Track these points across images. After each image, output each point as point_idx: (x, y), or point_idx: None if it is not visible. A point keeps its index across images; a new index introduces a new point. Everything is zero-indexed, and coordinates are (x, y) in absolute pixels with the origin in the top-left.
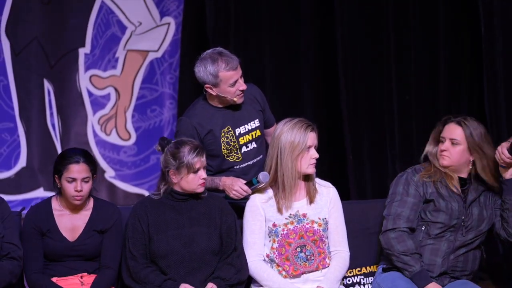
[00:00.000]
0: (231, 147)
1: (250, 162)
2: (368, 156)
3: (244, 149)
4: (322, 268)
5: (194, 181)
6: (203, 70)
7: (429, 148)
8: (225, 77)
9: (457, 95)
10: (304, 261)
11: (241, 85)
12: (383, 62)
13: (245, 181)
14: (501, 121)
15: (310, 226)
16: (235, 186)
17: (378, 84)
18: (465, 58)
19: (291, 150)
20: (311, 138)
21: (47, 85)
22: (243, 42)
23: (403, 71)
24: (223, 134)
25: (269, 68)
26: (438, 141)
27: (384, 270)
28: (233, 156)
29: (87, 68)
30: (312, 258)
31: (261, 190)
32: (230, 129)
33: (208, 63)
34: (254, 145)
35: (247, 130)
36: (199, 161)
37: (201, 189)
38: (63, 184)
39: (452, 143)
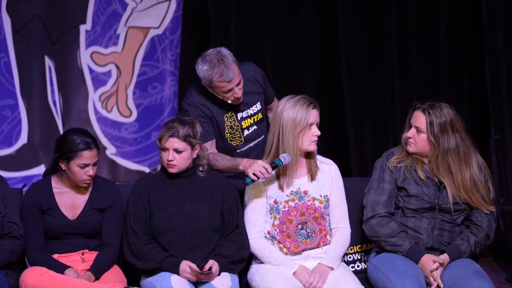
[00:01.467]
0: (234, 130)
1: (252, 144)
2: (370, 133)
3: (246, 132)
4: (323, 245)
5: (164, 157)
6: (201, 70)
7: (404, 132)
8: (218, 85)
9: (459, 73)
10: (305, 238)
11: (236, 93)
12: (384, 42)
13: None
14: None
15: (311, 203)
16: (258, 166)
17: (380, 62)
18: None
19: (293, 127)
20: (313, 115)
21: (48, 62)
22: (244, 19)
23: (404, 50)
24: (226, 119)
25: (271, 46)
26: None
27: (378, 253)
28: (236, 140)
29: (88, 45)
30: (313, 235)
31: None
32: (233, 113)
33: (205, 66)
34: (255, 127)
35: (249, 114)
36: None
37: (173, 170)
38: (72, 168)
39: (417, 131)
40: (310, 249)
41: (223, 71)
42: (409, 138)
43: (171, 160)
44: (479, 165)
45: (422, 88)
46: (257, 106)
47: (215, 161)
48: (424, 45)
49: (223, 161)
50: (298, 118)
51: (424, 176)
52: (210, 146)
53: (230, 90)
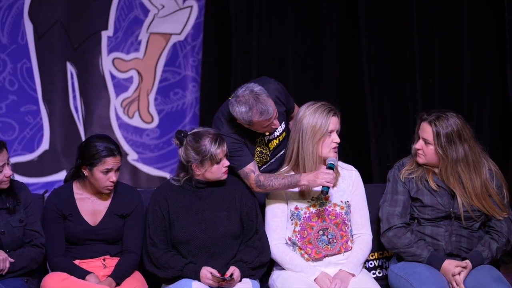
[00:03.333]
0: (263, 155)
1: (274, 159)
2: (391, 139)
3: (272, 152)
4: (345, 251)
5: (218, 170)
6: (238, 112)
7: (414, 143)
8: (258, 123)
9: (481, 77)
10: (327, 244)
11: (275, 125)
12: (406, 47)
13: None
14: None
15: (332, 209)
16: (324, 174)
17: (402, 68)
18: (489, 45)
19: (313, 134)
20: (333, 122)
21: (70, 68)
22: (265, 24)
23: (427, 55)
24: (257, 144)
25: (292, 50)
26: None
27: (399, 260)
28: (262, 162)
29: (110, 51)
30: (335, 241)
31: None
32: (262, 138)
33: (243, 108)
34: (280, 145)
35: (275, 136)
36: (221, 151)
37: (225, 177)
38: (95, 174)
39: (425, 142)
40: (332, 255)
41: (262, 109)
42: (418, 149)
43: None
44: (491, 171)
45: (444, 94)
46: (282, 126)
47: (269, 181)
48: (446, 51)
49: (278, 180)
50: (318, 125)
51: (436, 186)
52: (255, 167)
53: (270, 123)
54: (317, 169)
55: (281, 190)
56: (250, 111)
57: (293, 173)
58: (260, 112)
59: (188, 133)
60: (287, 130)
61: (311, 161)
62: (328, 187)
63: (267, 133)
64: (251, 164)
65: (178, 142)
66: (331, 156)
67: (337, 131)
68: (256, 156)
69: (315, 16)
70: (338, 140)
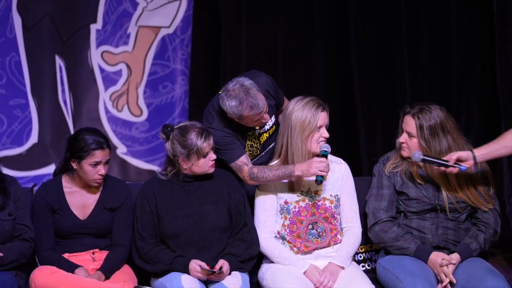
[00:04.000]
0: (254, 148)
1: (263, 153)
2: (380, 133)
3: (263, 146)
4: (334, 244)
5: (205, 164)
6: (229, 106)
7: (398, 137)
8: (249, 117)
9: (470, 70)
10: (316, 238)
11: (265, 119)
12: (395, 39)
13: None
14: None
15: (321, 203)
16: (317, 163)
17: (390, 61)
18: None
19: (301, 130)
20: (322, 118)
21: (58, 61)
22: (255, 17)
23: (416, 49)
24: (248, 138)
25: (282, 43)
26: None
27: (387, 253)
28: (252, 155)
29: (98, 44)
30: (324, 234)
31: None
32: (253, 131)
33: (233, 102)
34: (270, 139)
35: (265, 129)
36: (208, 144)
37: (212, 170)
38: (83, 167)
39: (409, 135)
40: (321, 248)
41: (252, 104)
42: (402, 143)
43: (213, 160)
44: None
45: (433, 89)
46: (272, 120)
47: (262, 173)
48: (435, 45)
49: (272, 171)
50: (307, 121)
51: (421, 179)
52: (247, 160)
53: (260, 117)
54: None
55: (275, 182)
56: (240, 106)
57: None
58: (250, 107)
59: (175, 127)
60: (277, 123)
61: (300, 157)
62: (322, 176)
63: (257, 127)
64: (243, 156)
65: (164, 136)
66: (319, 151)
67: (326, 126)
68: (246, 149)
69: (305, 9)
70: (327, 135)
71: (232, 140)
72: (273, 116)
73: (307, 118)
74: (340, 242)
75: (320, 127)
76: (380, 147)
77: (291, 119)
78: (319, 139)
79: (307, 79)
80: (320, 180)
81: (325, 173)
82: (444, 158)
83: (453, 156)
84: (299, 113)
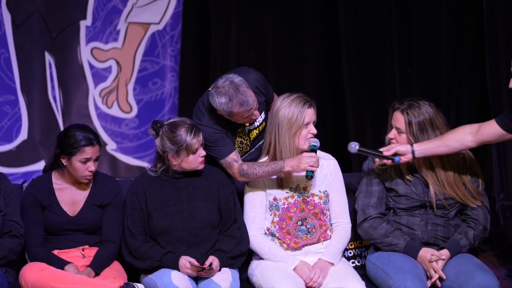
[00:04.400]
0: (244, 145)
1: (253, 149)
2: (370, 128)
3: (253, 142)
4: (324, 240)
5: (194, 161)
6: (218, 103)
7: (387, 133)
8: (239, 113)
9: (459, 67)
10: (306, 234)
11: (255, 115)
12: (385, 36)
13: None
14: (502, 92)
15: (310, 199)
16: (307, 158)
17: (380, 58)
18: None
19: (289, 127)
20: (309, 114)
21: (48, 57)
22: (245, 13)
23: (405, 46)
24: (238, 134)
25: (272, 39)
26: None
27: (376, 250)
28: (242, 151)
29: (88, 41)
30: (314, 230)
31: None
32: (243, 128)
33: (223, 99)
34: (260, 135)
35: (255, 126)
36: (197, 141)
37: (201, 167)
38: (73, 164)
39: (398, 131)
40: (310, 244)
41: (242, 100)
42: (391, 139)
43: (203, 157)
44: (465, 158)
45: (423, 86)
46: (262, 116)
47: (252, 169)
48: (425, 41)
49: (262, 167)
50: (294, 118)
51: (410, 176)
52: (237, 157)
53: (250, 114)
54: None
55: (265, 178)
56: (230, 102)
57: None
58: (240, 103)
59: (164, 123)
60: (267, 120)
61: (289, 154)
62: (313, 171)
63: (247, 124)
64: (233, 153)
65: (154, 132)
66: (307, 148)
67: (313, 122)
68: (236, 146)
69: (295, 5)
70: (314, 131)
71: (222, 137)
72: (263, 112)
73: (294, 115)
74: (329, 238)
75: (307, 123)
76: (370, 143)
77: (278, 116)
78: (307, 135)
79: (297, 76)
80: (310, 175)
81: (315, 168)
82: (381, 149)
83: (391, 149)
84: (286, 110)
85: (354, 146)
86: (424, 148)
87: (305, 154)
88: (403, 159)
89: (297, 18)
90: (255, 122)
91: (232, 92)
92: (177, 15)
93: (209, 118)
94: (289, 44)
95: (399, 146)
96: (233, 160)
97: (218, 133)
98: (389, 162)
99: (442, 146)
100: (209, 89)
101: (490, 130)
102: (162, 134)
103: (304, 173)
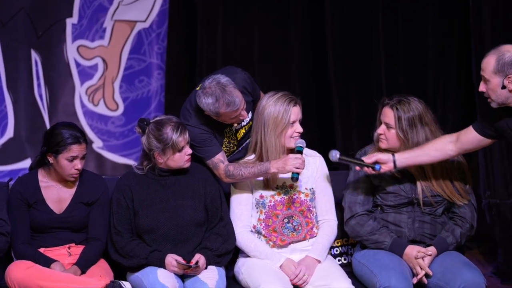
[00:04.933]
0: (231, 145)
1: (240, 148)
2: (356, 126)
3: (240, 141)
4: (310, 238)
5: (180, 159)
6: (205, 103)
7: (376, 129)
8: (226, 114)
9: (446, 66)
10: (292, 232)
11: (242, 116)
12: (371, 35)
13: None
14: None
15: (297, 197)
16: (292, 159)
17: (367, 56)
18: (454, 33)
19: (274, 126)
20: (295, 113)
21: (34, 55)
22: (231, 11)
23: (391, 42)
24: (225, 134)
25: (258, 40)
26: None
27: (362, 248)
28: (229, 151)
29: (74, 39)
30: (300, 228)
31: (249, 163)
32: (230, 128)
33: (209, 99)
34: (246, 134)
35: (242, 125)
36: (183, 139)
37: (187, 165)
38: (60, 162)
39: (387, 127)
40: (297, 242)
41: (229, 101)
42: (380, 134)
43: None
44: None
45: (409, 80)
46: (249, 116)
47: (238, 170)
48: (411, 38)
49: (248, 169)
50: (280, 117)
51: (398, 173)
52: (224, 157)
53: (237, 114)
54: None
55: (251, 179)
56: (217, 103)
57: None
58: (227, 104)
59: (151, 121)
60: (252, 119)
61: (275, 152)
62: (298, 173)
63: (235, 124)
64: (220, 154)
65: (140, 130)
66: (293, 145)
67: (299, 121)
68: (224, 146)
69: (281, 3)
70: (300, 129)
71: (209, 138)
72: (250, 112)
73: (280, 113)
74: (316, 235)
75: (293, 122)
76: (356, 141)
77: (263, 115)
78: (293, 134)
79: (283, 74)
80: (295, 177)
81: (300, 170)
82: (363, 158)
83: (372, 157)
84: (271, 108)
85: (334, 155)
86: (406, 157)
87: (291, 155)
88: (384, 168)
89: (284, 16)
90: (242, 122)
91: (218, 93)
92: (164, 13)
93: (196, 119)
94: (276, 43)
95: (381, 154)
96: (220, 161)
97: (205, 133)
98: (369, 170)
99: (423, 155)
100: (196, 89)
101: (469, 136)
102: (148, 132)
103: (289, 175)
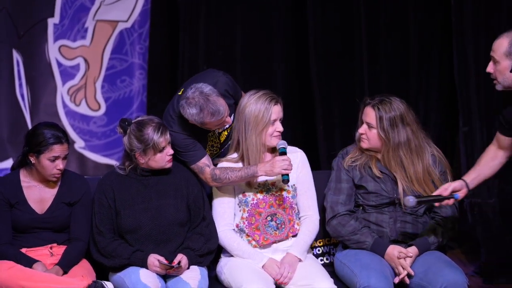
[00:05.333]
0: (214, 148)
1: (222, 150)
2: (339, 125)
3: (223, 144)
4: (292, 235)
5: (161, 159)
6: (189, 114)
7: (357, 129)
8: (211, 123)
9: (427, 66)
10: (275, 230)
11: (227, 122)
12: (354, 35)
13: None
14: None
15: (279, 194)
16: (280, 162)
17: (349, 55)
18: (436, 32)
19: (255, 124)
20: (276, 111)
21: (16, 55)
22: (213, 11)
23: (374, 42)
24: (209, 139)
25: (241, 40)
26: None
27: (344, 248)
28: (212, 154)
29: (56, 39)
30: (283, 226)
31: (231, 160)
32: (214, 132)
33: (193, 109)
34: (228, 136)
35: (224, 128)
36: (164, 139)
37: (169, 165)
38: (42, 162)
39: (368, 126)
40: (280, 241)
41: (213, 110)
42: (362, 134)
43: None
44: (435, 156)
45: (392, 80)
46: (232, 118)
47: (225, 174)
48: (393, 38)
49: (235, 172)
50: (260, 115)
51: (379, 173)
52: (209, 161)
53: (222, 122)
54: (261, 158)
55: (238, 183)
56: (201, 113)
57: (241, 163)
58: (212, 113)
59: (132, 121)
60: (234, 121)
61: (255, 151)
62: (288, 174)
63: (219, 130)
64: (204, 158)
65: (122, 130)
66: (274, 144)
67: (280, 119)
68: (207, 149)
69: (264, 3)
70: (281, 128)
71: (193, 142)
72: (233, 115)
73: (261, 112)
74: (297, 232)
75: (274, 120)
76: (339, 141)
77: (244, 113)
78: (274, 133)
79: (266, 74)
80: (287, 179)
81: (289, 172)
82: (437, 192)
83: (448, 188)
84: (252, 107)
85: (412, 201)
86: (473, 178)
87: (278, 158)
88: (461, 194)
89: (266, 16)
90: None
91: (202, 103)
92: (145, 13)
93: (179, 125)
94: (258, 42)
95: (454, 184)
96: (205, 165)
97: (188, 138)
98: (450, 201)
99: (486, 169)
100: (179, 93)
101: (503, 142)
102: (129, 133)
103: (275, 178)
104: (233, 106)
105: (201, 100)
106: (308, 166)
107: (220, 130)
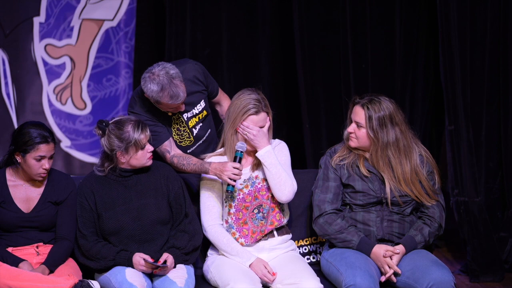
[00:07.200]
0: (182, 132)
1: (201, 141)
2: (325, 125)
3: (194, 131)
4: (277, 224)
5: (143, 156)
6: (149, 89)
7: (346, 128)
8: (166, 104)
9: (413, 64)
10: (261, 220)
11: (181, 108)
12: (339, 32)
13: (231, 160)
14: (455, 89)
15: (262, 185)
16: (229, 169)
17: (335, 54)
18: (422, 31)
19: (233, 121)
20: (253, 120)
21: (1, 54)
22: (199, 10)
23: (359, 41)
24: (173, 121)
25: (226, 39)
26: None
27: (330, 246)
28: (185, 141)
29: (42, 37)
30: (268, 215)
31: (218, 154)
32: (179, 115)
33: (154, 86)
34: (201, 124)
35: (194, 114)
36: (145, 136)
37: (149, 163)
38: (28, 161)
39: (357, 126)
40: (265, 230)
41: (173, 93)
42: (350, 133)
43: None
44: (422, 156)
45: (377, 79)
46: (201, 105)
47: (181, 165)
48: (379, 36)
49: (190, 165)
50: (237, 112)
51: (367, 172)
52: (170, 147)
53: (176, 107)
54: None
55: (190, 173)
56: (161, 92)
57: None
58: (171, 96)
59: (110, 122)
60: (207, 108)
61: (229, 148)
62: (233, 186)
63: (169, 113)
64: (166, 142)
65: (100, 132)
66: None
67: (267, 127)
68: (174, 133)
69: (250, 2)
70: (255, 130)
71: (155, 125)
72: (203, 101)
73: (239, 108)
74: (281, 222)
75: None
76: (325, 140)
77: (229, 110)
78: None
79: (252, 73)
80: (230, 190)
81: (234, 183)
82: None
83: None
84: (234, 104)
85: None
86: None
87: (230, 163)
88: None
89: (252, 15)
90: (194, 110)
91: (165, 83)
92: (131, 12)
93: (140, 106)
94: (244, 42)
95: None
96: (166, 150)
97: (149, 121)
98: None
99: None
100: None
101: None
102: (108, 133)
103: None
104: (204, 92)
105: (165, 80)
106: (287, 150)
107: (188, 115)
